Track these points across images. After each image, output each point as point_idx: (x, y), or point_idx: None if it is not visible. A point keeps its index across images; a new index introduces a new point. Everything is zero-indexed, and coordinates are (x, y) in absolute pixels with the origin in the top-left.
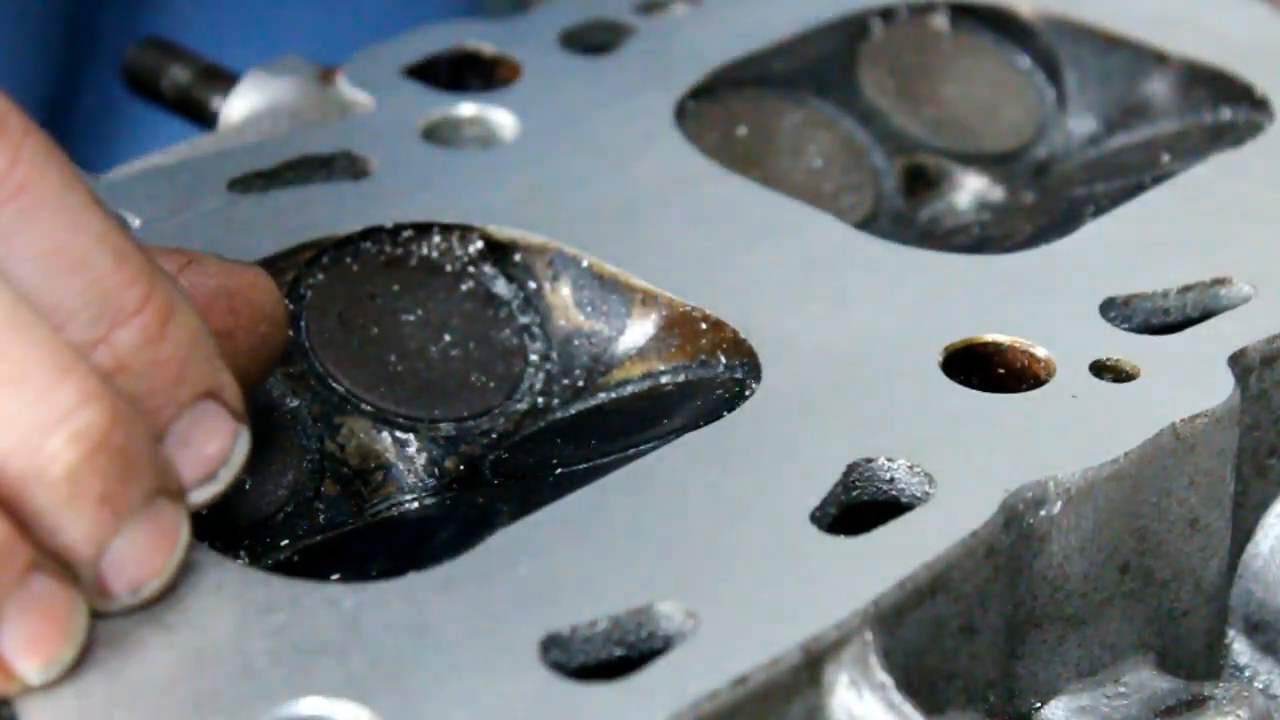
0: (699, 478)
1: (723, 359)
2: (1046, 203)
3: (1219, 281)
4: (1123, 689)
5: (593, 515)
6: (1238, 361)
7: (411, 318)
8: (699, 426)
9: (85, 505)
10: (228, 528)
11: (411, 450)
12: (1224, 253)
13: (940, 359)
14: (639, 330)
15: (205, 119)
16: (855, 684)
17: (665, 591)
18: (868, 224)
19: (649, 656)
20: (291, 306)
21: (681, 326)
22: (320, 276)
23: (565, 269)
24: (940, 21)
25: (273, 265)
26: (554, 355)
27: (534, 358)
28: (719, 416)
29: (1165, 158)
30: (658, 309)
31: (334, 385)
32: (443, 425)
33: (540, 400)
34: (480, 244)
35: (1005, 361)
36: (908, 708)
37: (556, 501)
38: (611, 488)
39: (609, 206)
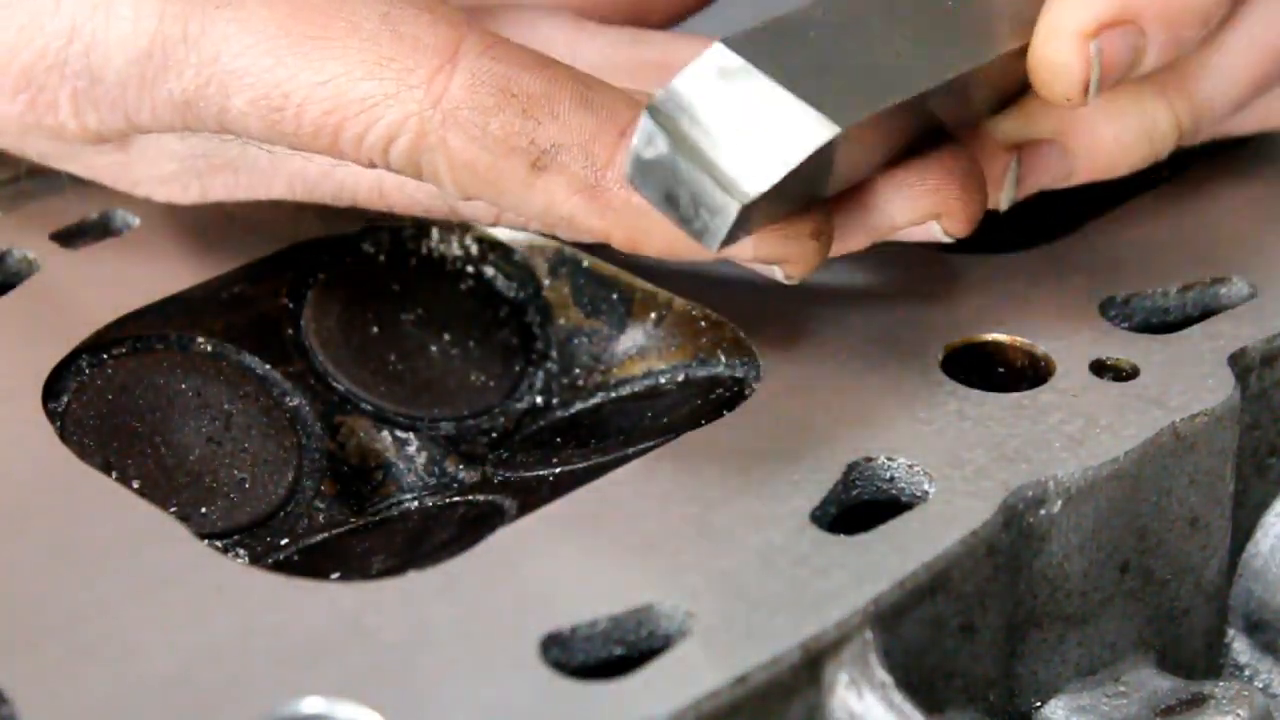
0: (699, 477)
1: (723, 359)
2: None
3: (1219, 281)
4: (1123, 688)
5: (593, 515)
6: (1238, 361)
7: (411, 317)
8: (699, 426)
9: None
10: (228, 528)
11: (411, 450)
12: (1224, 253)
13: (940, 358)
14: (639, 330)
15: None
16: (855, 683)
17: (665, 591)
18: None
19: (649, 656)
20: (291, 306)
21: (681, 326)
22: (320, 276)
23: (565, 268)
24: None
25: (273, 265)
26: (554, 355)
27: (534, 357)
28: (719, 416)
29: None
30: (658, 308)
31: (334, 385)
32: (443, 425)
33: (540, 400)
34: (480, 243)
35: (1005, 361)
36: (908, 707)
37: (556, 501)
38: (611, 487)
39: None
